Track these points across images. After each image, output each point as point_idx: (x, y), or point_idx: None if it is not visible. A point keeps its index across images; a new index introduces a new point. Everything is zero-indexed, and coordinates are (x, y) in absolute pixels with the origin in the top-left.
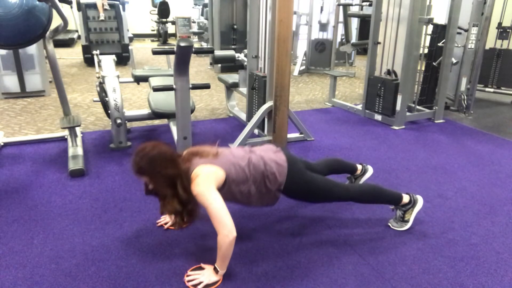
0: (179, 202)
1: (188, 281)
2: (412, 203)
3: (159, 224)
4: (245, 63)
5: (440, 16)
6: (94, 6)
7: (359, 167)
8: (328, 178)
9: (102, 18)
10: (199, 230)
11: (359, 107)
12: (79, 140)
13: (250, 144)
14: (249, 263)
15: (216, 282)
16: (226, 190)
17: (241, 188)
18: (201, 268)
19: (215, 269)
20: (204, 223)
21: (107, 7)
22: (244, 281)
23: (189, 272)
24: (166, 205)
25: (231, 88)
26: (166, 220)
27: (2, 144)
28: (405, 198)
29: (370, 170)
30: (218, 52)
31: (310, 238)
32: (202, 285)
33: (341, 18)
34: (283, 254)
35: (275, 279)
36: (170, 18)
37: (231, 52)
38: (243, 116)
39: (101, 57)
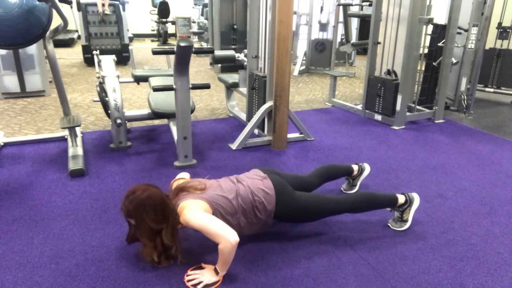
0: (160, 249)
1: (188, 280)
2: (409, 202)
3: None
4: (245, 63)
5: (440, 16)
6: (94, 5)
7: (355, 167)
8: (318, 194)
9: (104, 11)
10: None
11: (359, 107)
12: (79, 140)
13: (235, 175)
14: (249, 263)
15: (216, 282)
16: None
17: (231, 221)
18: (201, 268)
19: (215, 270)
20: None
21: (107, 11)
22: (244, 281)
23: (189, 272)
24: (146, 255)
25: (231, 88)
26: None
27: (2, 144)
28: (401, 199)
29: (367, 169)
30: (218, 52)
31: (310, 238)
32: (201, 285)
33: (341, 18)
34: (283, 254)
35: (275, 279)
36: (170, 18)
37: (231, 52)
38: (243, 116)
39: (101, 57)
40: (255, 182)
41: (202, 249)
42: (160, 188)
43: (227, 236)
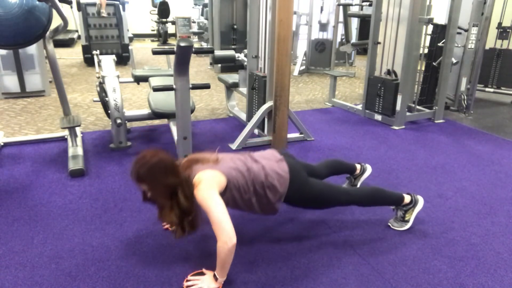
0: (177, 212)
1: (187, 286)
2: (413, 203)
3: (165, 227)
4: (245, 63)
5: (440, 16)
6: (94, 5)
7: (358, 166)
8: (329, 183)
9: (104, 14)
10: (200, 231)
11: (359, 107)
12: (79, 140)
13: (251, 151)
14: (249, 264)
15: None
16: (228, 195)
17: (242, 195)
18: (202, 273)
19: (214, 276)
20: (205, 224)
21: (104, 13)
22: (244, 281)
23: (189, 277)
24: (165, 216)
25: (231, 88)
26: None
27: (2, 144)
28: (407, 198)
29: (368, 169)
30: (218, 52)
31: (310, 239)
32: None
33: (341, 18)
34: (283, 254)
35: (275, 279)
36: (170, 18)
37: (231, 52)
38: (243, 116)
39: (101, 57)
40: (270, 163)
41: (203, 249)
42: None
43: (226, 234)
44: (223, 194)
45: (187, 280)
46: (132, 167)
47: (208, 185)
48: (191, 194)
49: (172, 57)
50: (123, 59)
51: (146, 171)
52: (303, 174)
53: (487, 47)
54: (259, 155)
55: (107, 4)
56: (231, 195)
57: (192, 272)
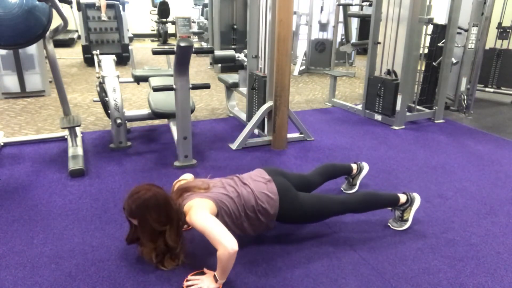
0: (162, 249)
1: (187, 286)
2: (410, 202)
3: None
4: (245, 63)
5: (440, 16)
6: (94, 5)
7: (354, 166)
8: (321, 195)
9: (104, 18)
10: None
11: (359, 107)
12: (79, 140)
13: (238, 174)
14: (249, 263)
15: None
16: (220, 220)
17: (234, 221)
18: (203, 273)
19: (215, 277)
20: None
21: (104, 17)
22: (244, 282)
23: (189, 277)
24: (144, 253)
25: (231, 88)
26: None
27: (2, 144)
28: (402, 198)
29: (365, 168)
30: (218, 52)
31: (310, 239)
32: None
33: (341, 18)
34: (283, 254)
35: (275, 279)
36: (170, 18)
37: (231, 52)
38: (243, 116)
39: (101, 57)
40: (259, 185)
41: (203, 249)
42: (163, 189)
43: (226, 244)
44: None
45: (187, 280)
46: (125, 201)
47: (198, 209)
48: (182, 225)
49: (172, 57)
50: (123, 59)
51: (138, 207)
52: (292, 193)
53: (487, 47)
54: (247, 176)
55: (107, 6)
56: (223, 221)
57: (192, 272)
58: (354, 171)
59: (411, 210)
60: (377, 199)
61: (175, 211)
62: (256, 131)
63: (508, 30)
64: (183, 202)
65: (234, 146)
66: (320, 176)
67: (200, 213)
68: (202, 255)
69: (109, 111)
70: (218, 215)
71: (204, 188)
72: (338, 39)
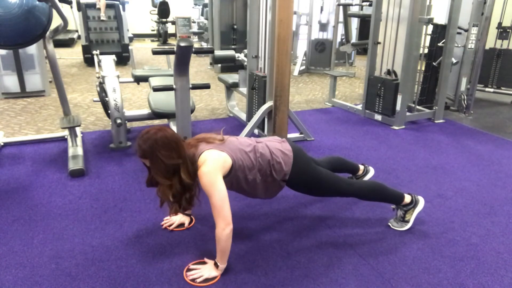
0: (178, 188)
1: (189, 274)
2: (414, 203)
3: (164, 226)
4: (245, 63)
5: (440, 16)
6: (94, 6)
7: (361, 167)
8: (332, 172)
9: (103, 18)
10: (200, 230)
11: (359, 107)
12: (79, 140)
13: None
14: (249, 263)
15: (215, 277)
16: (233, 176)
17: (247, 176)
18: (204, 262)
19: (215, 264)
20: (204, 224)
21: (103, 17)
22: (244, 281)
23: (190, 266)
24: (163, 192)
25: (231, 88)
26: (170, 222)
27: (2, 144)
28: (407, 198)
29: (371, 172)
30: (218, 52)
31: (310, 238)
32: (201, 278)
33: (341, 18)
34: (283, 254)
35: (275, 279)
36: (170, 18)
37: (231, 52)
38: (243, 116)
39: (101, 57)
40: (274, 143)
41: (203, 249)
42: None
43: (225, 220)
44: (227, 175)
45: (189, 269)
46: (136, 142)
47: (213, 168)
48: (194, 172)
49: (172, 57)
50: (123, 59)
51: (148, 146)
52: (306, 156)
53: (487, 47)
54: (263, 138)
55: (107, 5)
56: (236, 176)
57: (193, 262)
58: (360, 172)
59: (413, 211)
60: (383, 191)
61: (188, 155)
62: (256, 131)
63: (508, 30)
64: (198, 151)
65: None
66: (328, 164)
67: (213, 177)
68: (201, 255)
69: (109, 111)
70: (232, 170)
71: (219, 139)
72: (338, 39)
